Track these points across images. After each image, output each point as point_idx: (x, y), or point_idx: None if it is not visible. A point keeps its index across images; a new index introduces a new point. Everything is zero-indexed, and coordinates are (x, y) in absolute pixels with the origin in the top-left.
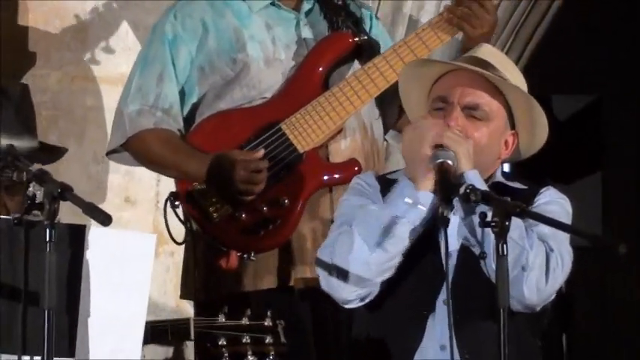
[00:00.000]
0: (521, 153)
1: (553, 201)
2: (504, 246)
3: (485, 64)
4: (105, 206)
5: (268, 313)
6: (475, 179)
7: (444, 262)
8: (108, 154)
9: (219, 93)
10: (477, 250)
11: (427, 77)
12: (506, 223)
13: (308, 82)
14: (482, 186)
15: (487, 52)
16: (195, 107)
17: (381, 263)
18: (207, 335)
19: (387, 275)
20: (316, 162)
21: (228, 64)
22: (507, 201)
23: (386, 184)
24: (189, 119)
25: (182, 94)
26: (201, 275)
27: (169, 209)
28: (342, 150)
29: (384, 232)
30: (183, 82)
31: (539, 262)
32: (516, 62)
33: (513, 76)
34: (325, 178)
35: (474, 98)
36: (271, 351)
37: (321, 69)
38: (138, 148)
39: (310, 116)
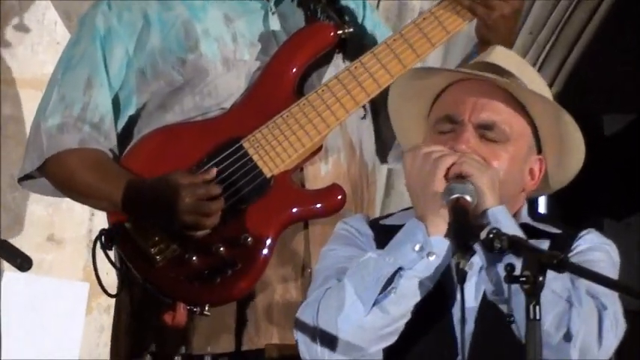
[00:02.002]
0: (549, 184)
1: (596, 247)
2: (537, 307)
3: (500, 71)
4: (24, 246)
5: (208, 349)
6: (503, 218)
7: (456, 328)
8: (20, 180)
9: (165, 103)
10: (503, 308)
11: (426, 92)
12: (540, 279)
13: (277, 87)
14: (514, 227)
15: (501, 55)
16: (132, 121)
17: (379, 328)
18: None
19: (386, 343)
20: (287, 189)
21: (175, 67)
22: (542, 250)
23: (381, 231)
24: (124, 136)
25: (116, 103)
26: (138, 335)
27: (100, 250)
28: (321, 175)
29: (385, 288)
30: (118, 89)
31: (590, 323)
32: (557, 71)
33: (535, 85)
34: (298, 209)
35: (489, 115)
36: None
37: (294, 70)
38: (57, 173)
39: (280, 131)
